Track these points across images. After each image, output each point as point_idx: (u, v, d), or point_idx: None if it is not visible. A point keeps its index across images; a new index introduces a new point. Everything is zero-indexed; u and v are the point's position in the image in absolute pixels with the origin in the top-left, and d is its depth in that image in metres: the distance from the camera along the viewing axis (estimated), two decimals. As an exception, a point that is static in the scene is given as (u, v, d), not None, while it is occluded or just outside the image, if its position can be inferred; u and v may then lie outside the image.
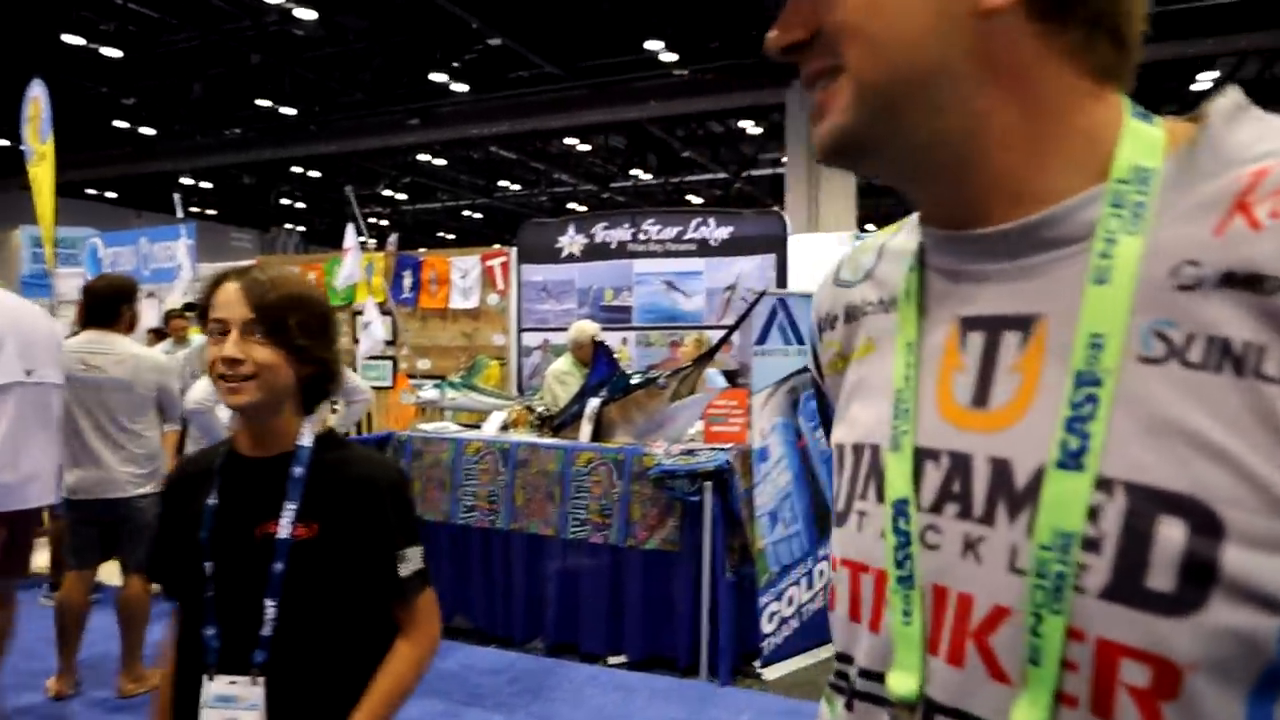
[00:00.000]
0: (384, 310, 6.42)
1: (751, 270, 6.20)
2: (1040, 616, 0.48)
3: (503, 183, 21.14)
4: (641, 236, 6.51)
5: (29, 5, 11.26)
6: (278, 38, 12.23)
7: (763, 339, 3.95)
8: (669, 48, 10.71)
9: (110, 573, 4.05)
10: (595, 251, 6.65)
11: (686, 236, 6.40)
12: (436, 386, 5.40)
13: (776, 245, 6.13)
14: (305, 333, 1.39)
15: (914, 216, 0.67)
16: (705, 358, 4.50)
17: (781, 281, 6.04)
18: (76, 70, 13.18)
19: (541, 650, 4.27)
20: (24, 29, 12.22)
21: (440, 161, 19.14)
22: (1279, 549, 0.43)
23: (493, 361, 6.34)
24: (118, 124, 16.18)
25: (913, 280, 0.62)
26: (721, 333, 5.07)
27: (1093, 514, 0.47)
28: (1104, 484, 0.47)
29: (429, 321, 7.05)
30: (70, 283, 8.17)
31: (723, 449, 4.02)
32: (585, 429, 4.32)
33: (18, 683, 3.94)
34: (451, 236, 27.61)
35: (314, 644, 1.37)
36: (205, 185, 21.56)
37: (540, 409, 4.78)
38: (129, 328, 3.82)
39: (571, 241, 6.73)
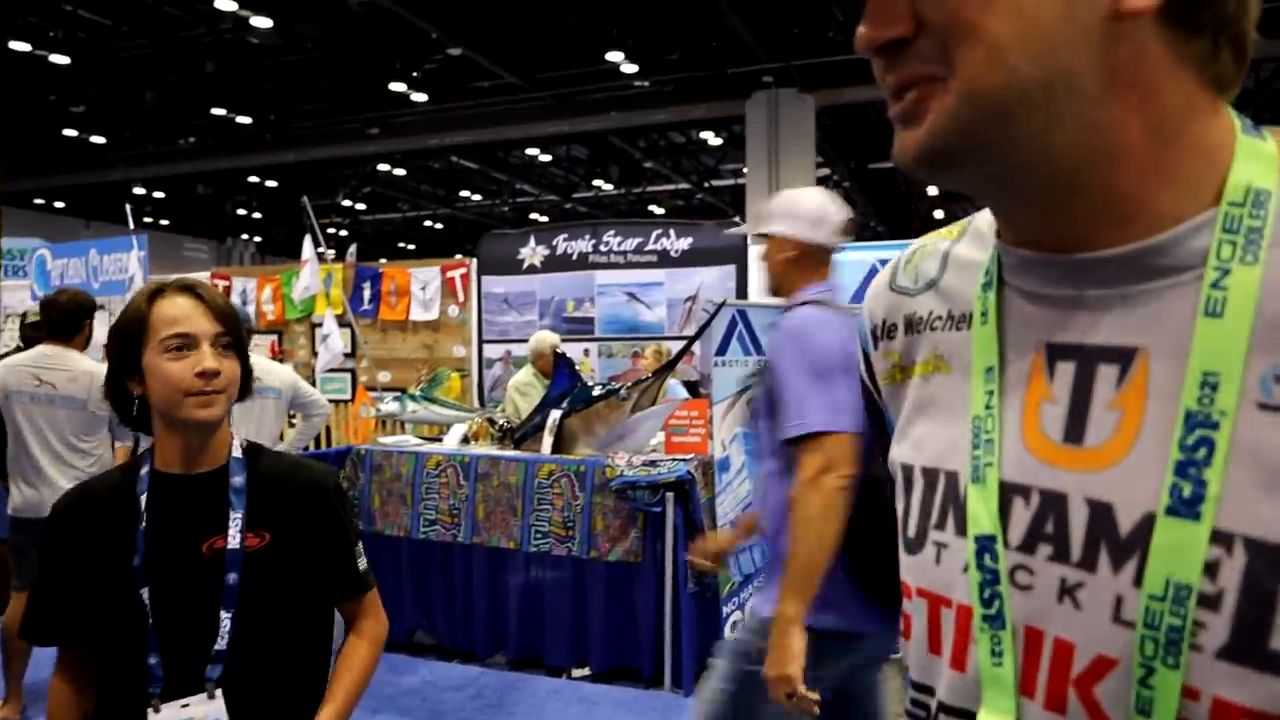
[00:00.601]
0: (343, 322, 6.34)
1: (712, 281, 6.24)
2: (1151, 669, 0.46)
3: (464, 193, 21.03)
4: (603, 248, 6.53)
5: (-27, 11, 10.99)
6: (233, 45, 12.06)
7: (723, 349, 3.98)
8: (629, 59, 10.78)
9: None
10: (556, 263, 6.65)
11: (647, 248, 6.43)
12: (397, 399, 5.34)
13: (737, 256, 6.19)
14: (247, 347, 1.43)
15: (976, 221, 0.64)
16: (666, 369, 4.52)
17: (742, 292, 6.09)
18: (23, 77, 12.87)
19: (504, 665, 4.25)
20: (-32, 35, 11.93)
21: (400, 171, 19.00)
22: None
23: (454, 373, 6.30)
24: (67, 132, 15.82)
25: (991, 300, 0.58)
26: (682, 343, 5.10)
27: (1210, 569, 0.45)
28: (1221, 537, 0.45)
29: (389, 333, 6.98)
30: (16, 295, 7.97)
31: (684, 459, 4.04)
32: (547, 441, 4.31)
33: None
34: (412, 247, 27.39)
35: (271, 650, 1.38)
36: (158, 195, 21.15)
37: (502, 421, 4.77)
38: (86, 343, 3.75)
39: (533, 253, 6.73)
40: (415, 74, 12.42)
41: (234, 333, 1.38)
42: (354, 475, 4.58)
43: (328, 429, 6.82)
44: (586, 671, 4.08)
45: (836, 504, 1.78)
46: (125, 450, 3.90)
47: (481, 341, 6.83)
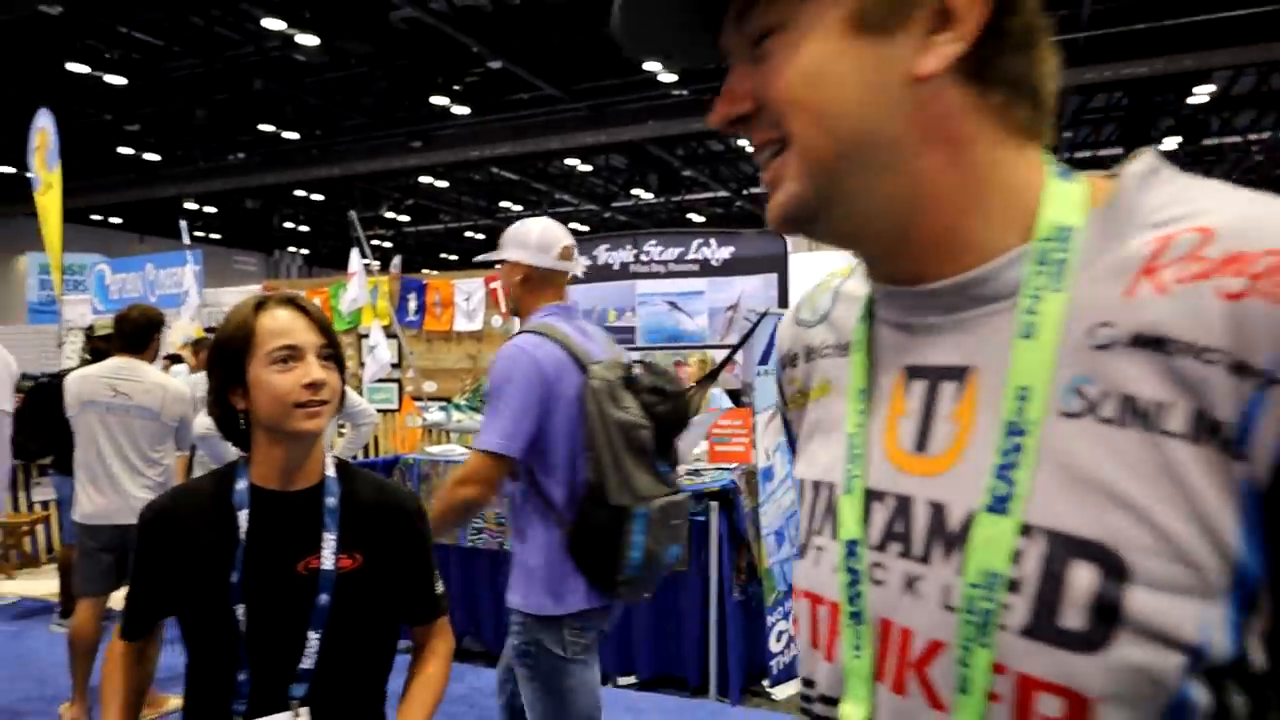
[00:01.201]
0: (389, 333, 6.47)
1: (753, 289, 6.25)
2: (969, 649, 0.52)
3: (504, 203, 21.28)
4: (643, 257, 6.57)
5: (35, 35, 11.39)
6: (280, 63, 12.38)
7: (765, 359, 4.00)
8: (668, 68, 10.84)
9: (121, 600, 4.08)
10: (598, 273, 6.71)
11: (688, 257, 6.47)
12: (442, 409, 5.43)
13: (778, 264, 6.20)
14: (342, 356, 1.45)
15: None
16: (708, 379, 4.55)
17: (783, 300, 6.10)
18: (81, 98, 13.32)
19: (550, 671, 4.29)
20: (30, 58, 12.37)
21: (442, 183, 19.28)
22: (1179, 591, 0.47)
23: (498, 383, 6.38)
24: (122, 150, 16.33)
25: (862, 330, 0.66)
26: (725, 352, 5.12)
27: (1016, 557, 0.51)
28: (1026, 530, 0.51)
29: (434, 344, 7.10)
30: (77, 309, 8.25)
31: (727, 469, 4.06)
32: (591, 450, 4.36)
33: (33, 709, 3.97)
34: (454, 258, 27.74)
35: (355, 669, 1.40)
36: (209, 210, 21.70)
37: (546, 430, 4.82)
38: (155, 356, 3.90)
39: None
40: (456, 87, 12.63)
41: (334, 344, 1.39)
42: (403, 484, 4.67)
43: (375, 438, 6.95)
44: (633, 679, 4.11)
45: (457, 507, 2.10)
46: (183, 460, 4.04)
47: (524, 351, 6.91)
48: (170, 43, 11.50)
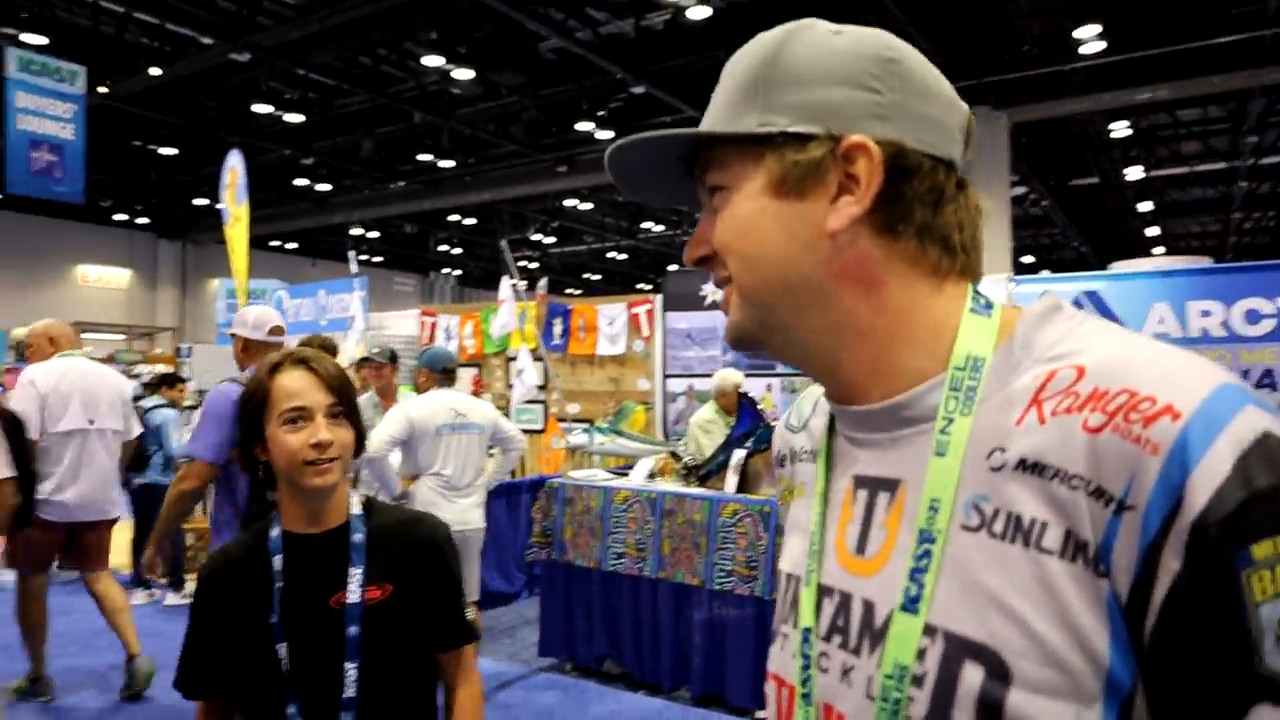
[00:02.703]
0: (535, 356, 6.72)
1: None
2: None
3: (646, 224, 21.62)
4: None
5: (225, 79, 12.57)
6: (437, 96, 13.11)
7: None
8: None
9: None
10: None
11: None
12: (585, 431, 5.59)
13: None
14: (358, 411, 1.52)
15: None
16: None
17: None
18: (264, 135, 14.57)
19: (689, 700, 4.33)
20: (221, 100, 13.65)
21: (586, 206, 19.81)
22: (1055, 694, 0.52)
23: (639, 406, 6.51)
24: (298, 182, 17.71)
25: (825, 441, 0.74)
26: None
27: (921, 654, 0.58)
28: (930, 630, 0.58)
29: (578, 367, 7.31)
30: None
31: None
32: (731, 480, 4.38)
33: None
34: (597, 278, 28.38)
35: (396, 697, 1.48)
36: (372, 235, 23.16)
37: (686, 457, 4.88)
38: None
39: (715, 289, 6.84)
40: (601, 113, 13.00)
41: (345, 401, 1.47)
42: (548, 506, 4.84)
43: (522, 459, 7.23)
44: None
45: (180, 498, 3.23)
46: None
47: (665, 376, 7.01)
48: (341, 81, 12.41)
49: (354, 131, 14.41)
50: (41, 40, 9.95)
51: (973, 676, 0.55)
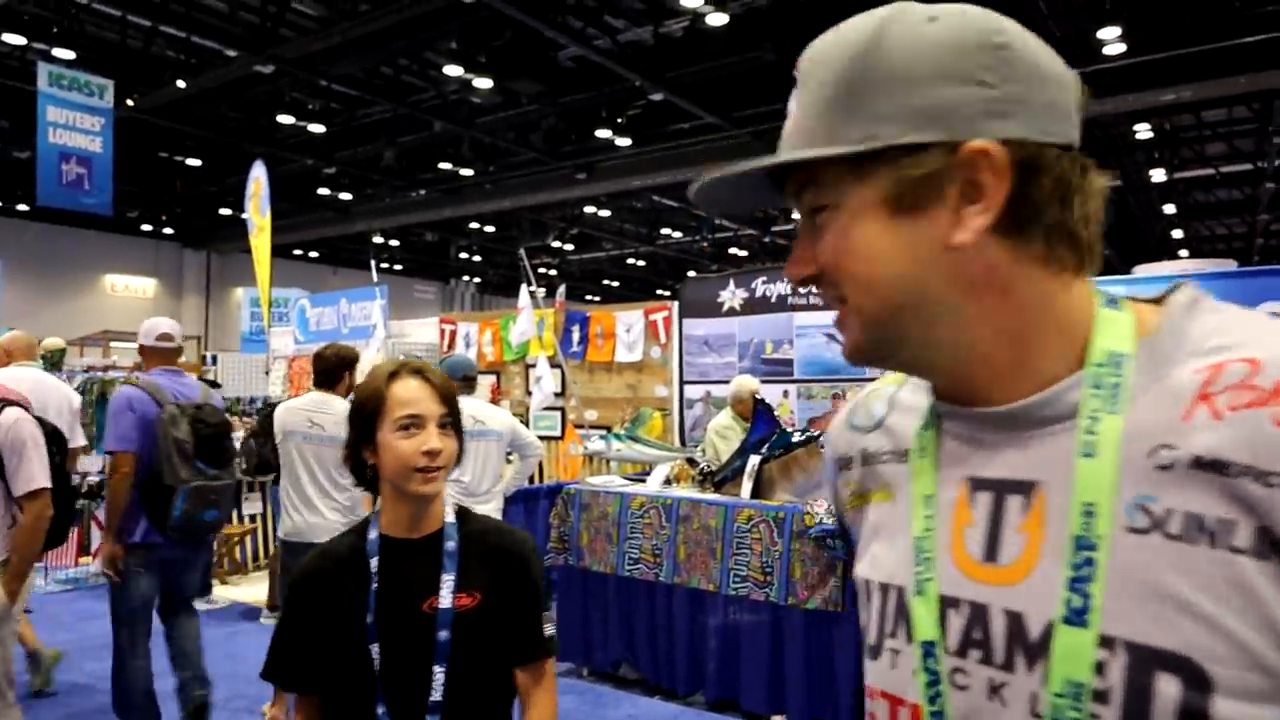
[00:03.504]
0: (554, 363, 6.76)
1: (915, 320, 6.07)
2: None
3: (665, 230, 21.66)
4: (801, 290, 6.53)
5: (250, 91, 12.76)
6: (457, 105, 13.23)
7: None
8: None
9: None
10: (755, 305, 6.75)
11: (847, 288, 6.37)
12: (603, 438, 5.62)
13: (941, 294, 5.99)
14: (460, 421, 1.56)
15: None
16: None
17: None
18: (287, 146, 14.76)
19: (704, 704, 4.34)
20: (246, 111, 13.85)
21: (605, 213, 19.89)
22: (1261, 699, 0.50)
23: (656, 413, 6.52)
24: (321, 191, 17.92)
25: (929, 439, 0.69)
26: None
27: (1099, 668, 0.54)
28: (1107, 641, 0.54)
29: (595, 374, 7.35)
30: (282, 340, 9.11)
31: (885, 509, 3.98)
32: (746, 486, 4.39)
33: (242, 706, 4.42)
34: (615, 284, 28.44)
35: (481, 703, 1.51)
36: (393, 243, 23.36)
37: (702, 463, 4.90)
38: (347, 390, 4.29)
39: (732, 295, 6.86)
40: (619, 120, 13.05)
41: (454, 412, 1.53)
42: (565, 512, 4.87)
43: (540, 465, 7.26)
44: (783, 718, 4.09)
45: (122, 485, 3.56)
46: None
47: (683, 382, 7.03)
48: (363, 92, 12.56)
49: (375, 141, 14.57)
50: (70, 55, 10.16)
51: (1168, 688, 0.52)
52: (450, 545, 1.52)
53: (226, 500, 3.82)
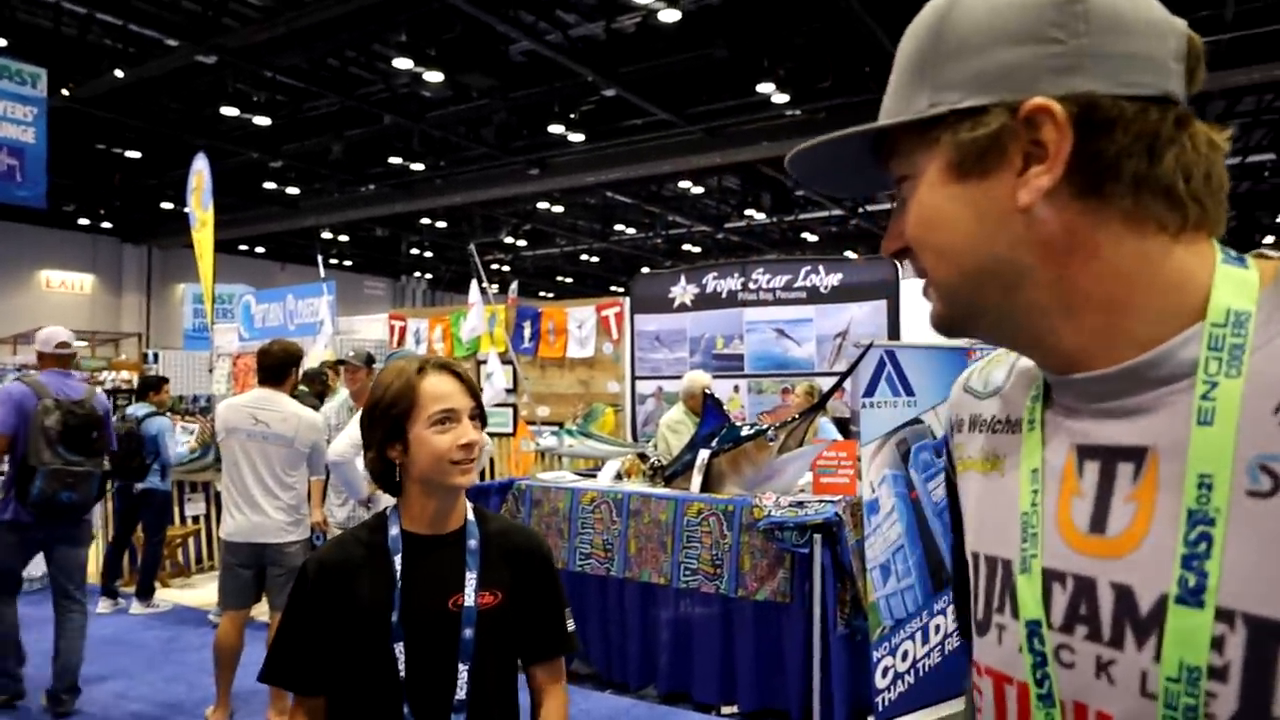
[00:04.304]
0: (505, 360, 6.72)
1: (863, 317, 6.18)
2: None
3: (619, 227, 21.64)
4: (752, 285, 6.60)
5: (192, 82, 12.44)
6: (407, 99, 13.06)
7: (871, 390, 3.96)
8: (780, 89, 10.83)
9: (261, 612, 4.41)
10: (706, 301, 6.79)
11: (796, 284, 6.45)
12: (555, 434, 5.61)
13: (888, 291, 6.11)
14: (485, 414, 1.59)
15: None
16: (813, 410, 4.54)
17: (893, 328, 6.00)
18: (231, 139, 14.42)
19: (655, 698, 4.36)
20: (188, 103, 13.50)
21: (558, 208, 19.80)
22: None
23: (608, 409, 6.53)
24: (267, 185, 17.55)
25: (1037, 411, 0.67)
26: (833, 379, 5.09)
27: (1217, 644, 0.51)
28: (1224, 615, 0.51)
29: (547, 370, 7.33)
30: (226, 337, 8.91)
31: (832, 501, 4.04)
32: (695, 480, 4.42)
33: (183, 711, 4.32)
34: (569, 280, 28.36)
35: (499, 700, 1.51)
36: (343, 238, 22.99)
37: (653, 458, 4.91)
38: (292, 387, 4.22)
39: (683, 291, 6.89)
40: (573, 116, 13.00)
41: (481, 405, 1.54)
42: (515, 508, 4.85)
43: (491, 461, 7.22)
44: (735, 710, 4.13)
45: None
46: (319, 484, 4.33)
47: (635, 378, 7.04)
48: (309, 84, 12.32)
49: (323, 134, 14.30)
50: (0, 42, 9.80)
51: None
52: (473, 543, 1.52)
53: (87, 485, 4.19)
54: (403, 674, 1.43)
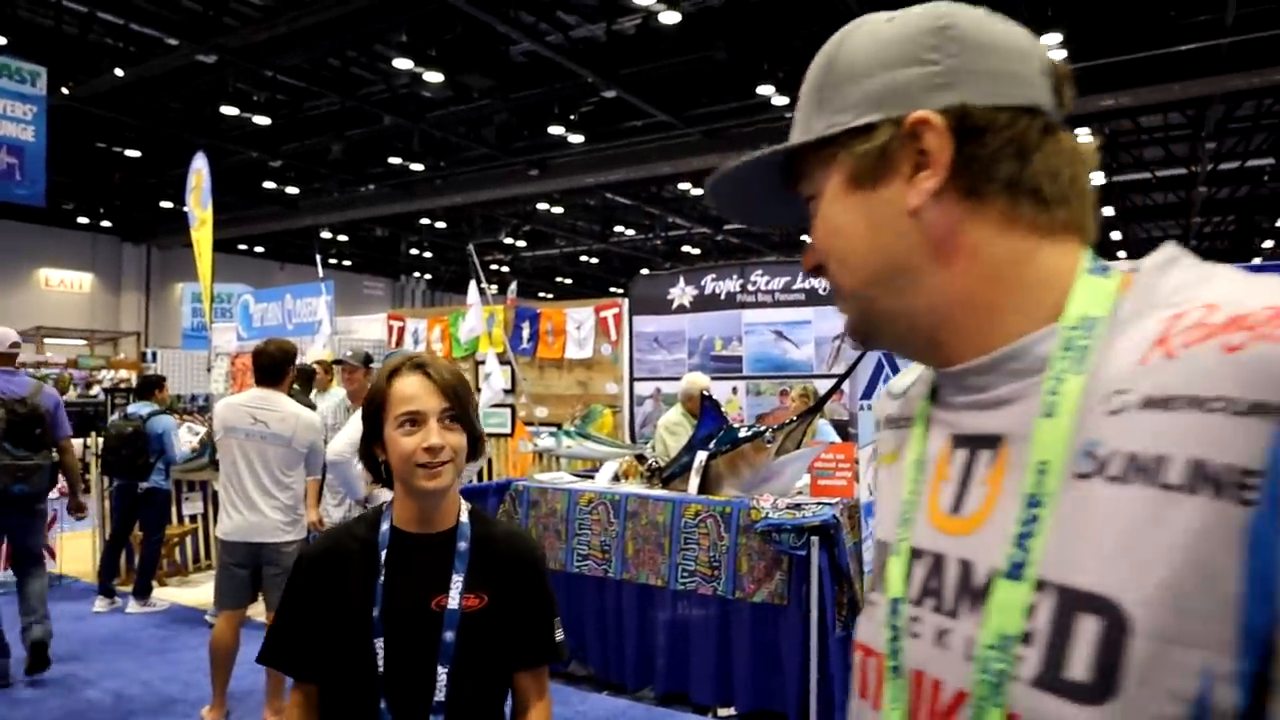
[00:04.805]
0: (503, 360, 6.71)
1: (862, 318, 6.16)
2: (983, 707, 0.56)
3: (618, 228, 21.66)
4: (750, 287, 6.60)
5: (193, 81, 12.44)
6: (407, 99, 13.07)
7: (869, 393, 3.96)
8: (780, 91, 10.85)
9: (259, 613, 4.40)
10: (705, 302, 6.78)
11: (795, 286, 6.45)
12: (553, 435, 5.60)
13: (887, 292, 6.08)
14: (475, 414, 1.54)
15: None
16: (810, 412, 4.53)
17: (893, 329, 5.98)
18: (232, 138, 14.42)
19: (652, 699, 4.35)
20: (188, 103, 13.50)
21: (558, 209, 19.82)
22: (1181, 643, 0.49)
23: (607, 410, 6.52)
24: (266, 185, 17.55)
25: (924, 407, 0.73)
26: (831, 381, 5.08)
27: (1030, 611, 0.55)
28: (1041, 585, 0.55)
29: (546, 371, 7.32)
30: (224, 336, 8.90)
31: (829, 503, 4.04)
32: (693, 481, 4.41)
33: (179, 711, 4.31)
34: (569, 281, 28.35)
35: (480, 705, 1.49)
36: (342, 238, 22.98)
37: (651, 460, 4.91)
38: (289, 386, 4.21)
39: (682, 293, 6.89)
40: (572, 117, 13.01)
41: (459, 405, 1.48)
42: (513, 509, 4.84)
43: (489, 461, 7.21)
44: (732, 711, 4.12)
45: None
46: (315, 484, 4.32)
47: (633, 379, 7.03)
48: (310, 84, 12.32)
49: (323, 134, 14.31)
50: (0, 40, 9.80)
51: (1088, 629, 0.51)
52: (462, 545, 1.51)
53: (39, 476, 4.62)
54: (381, 670, 1.42)
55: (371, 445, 1.51)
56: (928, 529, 0.66)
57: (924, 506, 0.68)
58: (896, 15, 0.67)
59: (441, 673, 1.43)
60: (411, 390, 1.46)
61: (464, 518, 1.55)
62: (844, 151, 0.66)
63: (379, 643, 1.43)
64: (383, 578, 1.46)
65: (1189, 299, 0.56)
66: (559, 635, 1.58)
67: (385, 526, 1.52)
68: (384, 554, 1.48)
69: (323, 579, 1.51)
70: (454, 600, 1.46)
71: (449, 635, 1.44)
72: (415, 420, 1.45)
